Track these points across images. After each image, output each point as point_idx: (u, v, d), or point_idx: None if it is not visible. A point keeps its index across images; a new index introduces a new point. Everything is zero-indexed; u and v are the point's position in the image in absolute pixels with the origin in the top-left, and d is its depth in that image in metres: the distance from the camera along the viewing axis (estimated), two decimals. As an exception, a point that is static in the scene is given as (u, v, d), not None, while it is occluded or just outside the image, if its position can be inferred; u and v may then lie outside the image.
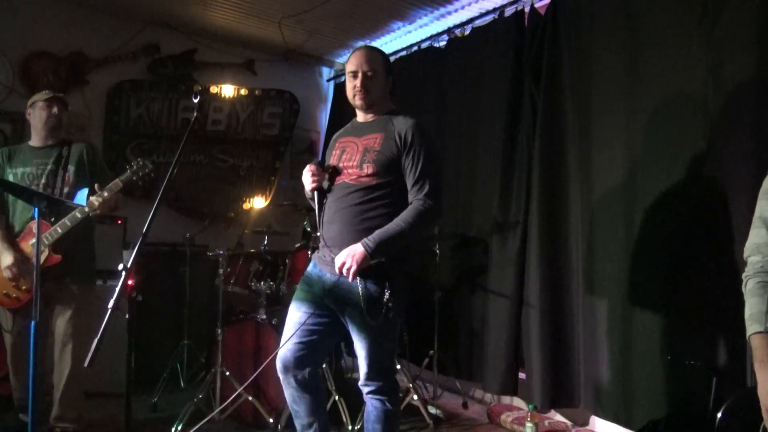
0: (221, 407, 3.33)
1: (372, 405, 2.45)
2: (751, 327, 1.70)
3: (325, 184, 2.48)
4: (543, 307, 3.55)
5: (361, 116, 2.59)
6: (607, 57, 3.33)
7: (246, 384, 3.01)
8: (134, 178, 3.06)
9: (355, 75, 2.47)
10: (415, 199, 2.35)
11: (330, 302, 2.43)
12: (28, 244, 3.05)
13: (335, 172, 2.46)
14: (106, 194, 2.97)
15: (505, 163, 3.91)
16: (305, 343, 2.44)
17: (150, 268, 4.45)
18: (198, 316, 4.45)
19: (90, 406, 3.41)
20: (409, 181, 2.38)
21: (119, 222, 4.42)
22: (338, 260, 2.29)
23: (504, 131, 3.92)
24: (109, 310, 1.66)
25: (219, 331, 3.60)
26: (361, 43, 5.37)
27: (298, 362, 2.45)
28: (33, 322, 2.13)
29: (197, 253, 4.42)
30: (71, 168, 3.19)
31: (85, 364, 1.63)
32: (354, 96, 2.50)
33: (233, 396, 3.12)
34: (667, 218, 3.03)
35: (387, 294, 2.31)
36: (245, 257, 3.91)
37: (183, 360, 4.31)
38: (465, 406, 4.15)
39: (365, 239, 2.28)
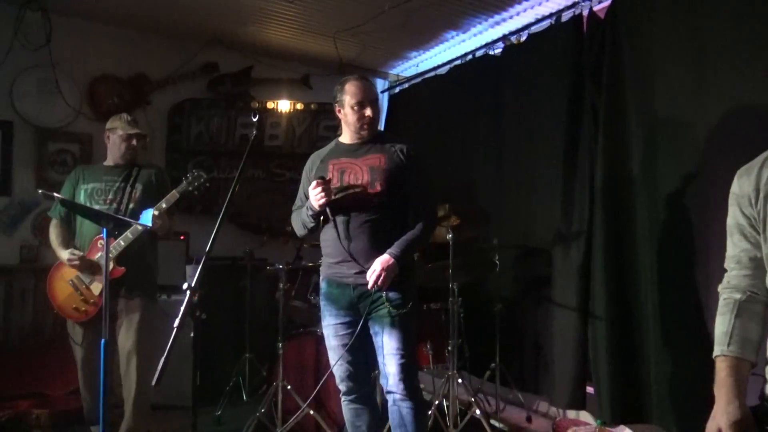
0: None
1: (405, 407, 2.50)
2: (715, 349, 1.63)
3: (336, 193, 2.58)
4: (610, 318, 3.42)
5: (349, 138, 2.71)
6: (672, 61, 3.19)
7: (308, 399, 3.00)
8: (190, 188, 3.15)
9: (362, 105, 2.60)
10: (421, 215, 2.61)
11: (360, 311, 2.57)
12: (94, 258, 3.15)
13: (350, 189, 2.58)
14: (164, 205, 3.07)
15: (567, 171, 3.81)
16: (356, 361, 2.60)
17: (211, 283, 4.51)
18: (259, 330, 4.49)
19: (156, 419, 3.48)
20: (414, 198, 2.62)
21: (182, 237, 4.53)
22: (371, 273, 2.46)
23: (564, 139, 3.82)
24: (175, 329, 1.67)
25: (280, 345, 3.63)
26: (414, 54, 5.38)
27: (354, 381, 2.60)
28: (102, 340, 2.17)
29: (257, 267, 4.47)
30: (139, 186, 3.29)
31: (153, 383, 1.65)
32: (362, 126, 2.63)
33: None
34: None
35: (410, 292, 2.55)
36: (304, 271, 3.94)
37: (245, 373, 4.36)
38: (529, 420, 4.04)
39: (391, 250, 2.49)
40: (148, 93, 4.97)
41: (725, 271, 1.71)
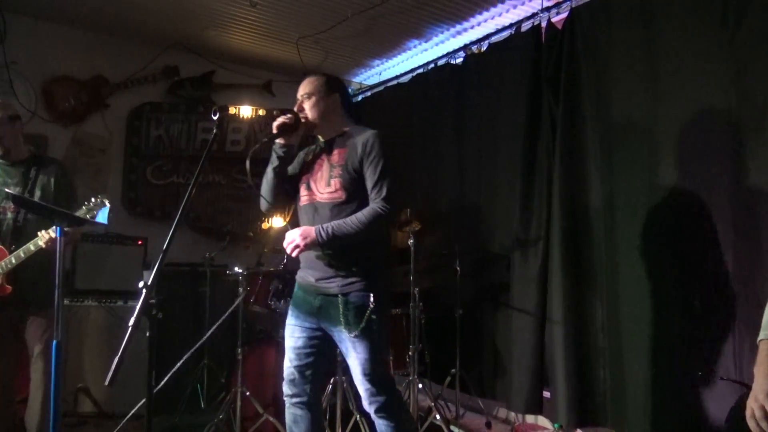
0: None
1: (384, 425, 2.46)
2: (760, 334, 1.74)
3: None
4: (567, 323, 3.48)
5: (326, 133, 2.66)
6: (627, 69, 3.29)
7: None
8: (88, 216, 2.76)
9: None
10: (374, 202, 2.43)
11: (321, 322, 2.51)
12: None
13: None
14: (52, 234, 2.71)
15: (526, 178, 3.87)
16: (303, 365, 2.54)
17: (170, 289, 4.46)
18: (218, 336, 4.42)
19: (110, 428, 3.39)
20: (369, 184, 2.45)
21: (140, 243, 4.44)
22: (288, 237, 2.42)
23: (523, 146, 3.89)
24: (130, 328, 1.64)
25: (239, 350, 3.59)
26: (377, 62, 5.42)
27: (295, 385, 2.54)
28: (54, 342, 2.12)
29: (217, 273, 4.41)
30: (37, 192, 2.99)
31: (106, 383, 1.61)
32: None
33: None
34: (692, 232, 2.97)
35: (371, 307, 2.38)
36: (265, 276, 3.90)
37: (203, 380, 4.29)
38: (488, 425, 4.07)
39: (320, 226, 2.39)
40: (106, 95, 4.89)
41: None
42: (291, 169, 2.68)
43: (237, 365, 3.57)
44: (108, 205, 2.79)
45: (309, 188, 2.58)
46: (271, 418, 3.44)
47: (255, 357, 3.69)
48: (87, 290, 4.15)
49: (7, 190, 2.89)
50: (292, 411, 2.56)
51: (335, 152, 2.55)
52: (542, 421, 3.91)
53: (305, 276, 2.58)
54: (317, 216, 2.49)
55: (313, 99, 2.60)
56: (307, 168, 2.64)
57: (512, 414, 4.13)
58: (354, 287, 2.42)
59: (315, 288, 2.50)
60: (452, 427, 3.77)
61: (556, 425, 3.39)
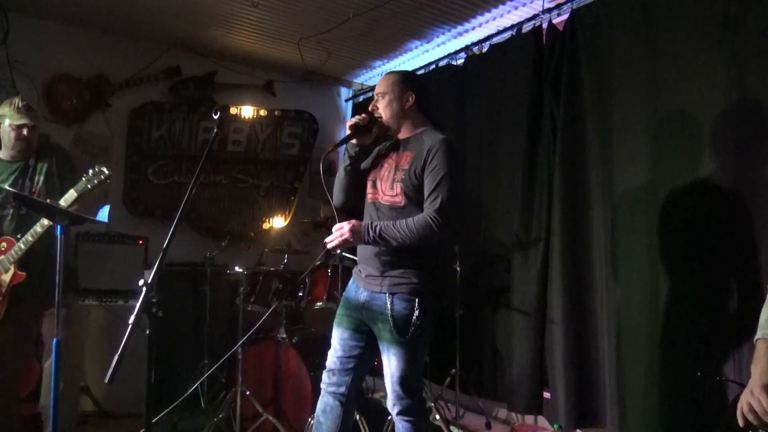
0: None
1: (402, 426, 2.43)
2: (757, 333, 1.76)
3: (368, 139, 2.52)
4: (567, 324, 3.49)
5: (400, 133, 2.58)
6: (627, 71, 3.31)
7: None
8: (89, 186, 2.82)
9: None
10: (426, 210, 2.34)
11: (364, 317, 2.48)
12: None
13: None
14: (63, 204, 2.79)
15: (526, 179, 3.88)
16: (347, 357, 2.51)
17: (170, 288, 4.46)
18: (218, 336, 4.44)
19: (110, 427, 3.40)
20: (426, 192, 2.37)
21: (141, 242, 4.45)
22: (337, 227, 2.37)
23: (524, 148, 3.90)
24: (130, 326, 1.64)
25: (239, 350, 3.59)
26: (379, 63, 5.43)
27: (339, 374, 2.51)
28: (55, 340, 2.12)
29: (217, 273, 4.42)
30: (40, 178, 3.03)
31: (106, 380, 1.61)
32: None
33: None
34: (691, 234, 2.97)
35: (416, 312, 2.34)
36: (265, 276, 3.91)
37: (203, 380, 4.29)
38: (488, 426, 4.08)
39: (368, 224, 2.36)
40: (108, 95, 4.90)
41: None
42: (364, 164, 2.62)
43: (237, 365, 3.58)
44: (106, 171, 2.81)
45: (374, 186, 2.54)
46: (270, 418, 3.44)
47: (255, 356, 3.69)
48: (88, 289, 4.16)
49: (9, 188, 2.90)
50: (325, 400, 2.51)
51: (403, 155, 2.47)
52: (542, 421, 3.91)
53: (357, 270, 2.57)
54: (380, 216, 2.47)
55: (387, 98, 2.51)
56: (377, 164, 2.58)
57: (512, 414, 4.14)
58: (401, 289, 2.37)
59: (364, 283, 2.49)
60: (452, 428, 3.77)
61: (555, 426, 3.40)
